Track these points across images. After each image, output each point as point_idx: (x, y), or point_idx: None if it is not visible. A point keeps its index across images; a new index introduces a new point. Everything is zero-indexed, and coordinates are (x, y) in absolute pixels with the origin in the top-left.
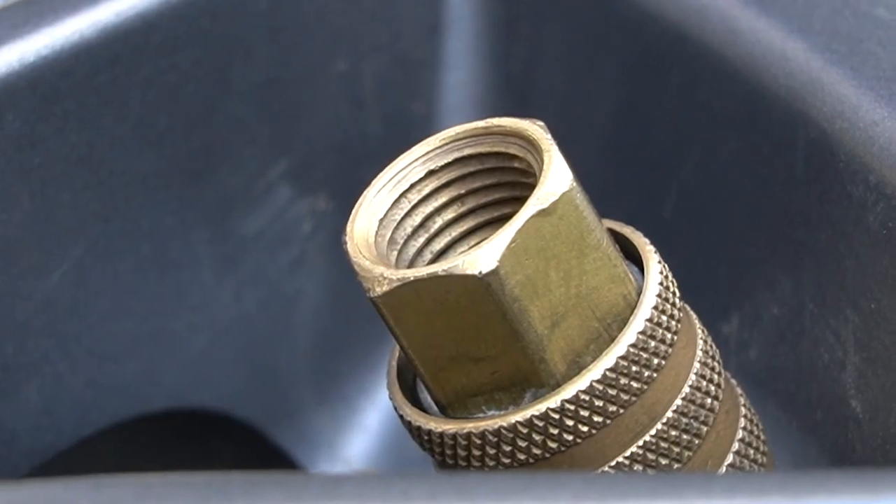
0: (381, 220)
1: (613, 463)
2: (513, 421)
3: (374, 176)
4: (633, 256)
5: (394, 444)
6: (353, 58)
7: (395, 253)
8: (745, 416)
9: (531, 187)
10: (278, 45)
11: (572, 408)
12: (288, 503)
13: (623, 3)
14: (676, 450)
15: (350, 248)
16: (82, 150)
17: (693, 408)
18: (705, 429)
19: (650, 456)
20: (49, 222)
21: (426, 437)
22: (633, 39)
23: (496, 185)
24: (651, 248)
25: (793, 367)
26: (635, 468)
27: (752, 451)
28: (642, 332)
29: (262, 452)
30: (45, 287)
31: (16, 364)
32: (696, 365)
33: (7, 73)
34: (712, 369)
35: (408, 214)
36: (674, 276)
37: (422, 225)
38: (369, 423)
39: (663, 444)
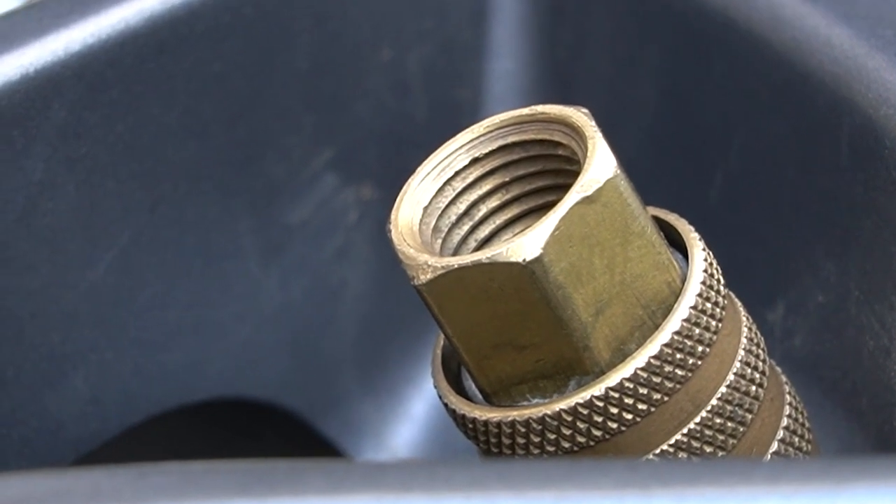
0: (426, 209)
1: (658, 451)
2: (557, 409)
3: (420, 164)
4: (677, 244)
5: (440, 433)
6: (398, 45)
7: (440, 241)
8: (790, 404)
9: (576, 174)
10: (323, 33)
11: (616, 395)
12: (331, 490)
13: None
14: (721, 437)
15: (394, 236)
16: (128, 140)
17: (738, 395)
18: (750, 416)
19: (694, 444)
20: (95, 211)
21: (471, 426)
22: (678, 25)
23: (541, 172)
24: (695, 235)
25: (838, 355)
26: (680, 456)
27: (796, 439)
28: (686, 320)
29: (307, 442)
30: (92, 276)
31: (62, 353)
32: (741, 352)
33: (53, 63)
34: (757, 356)
35: (452, 202)
36: (719, 262)
37: (466, 213)
38: (415, 412)
39: (707, 432)
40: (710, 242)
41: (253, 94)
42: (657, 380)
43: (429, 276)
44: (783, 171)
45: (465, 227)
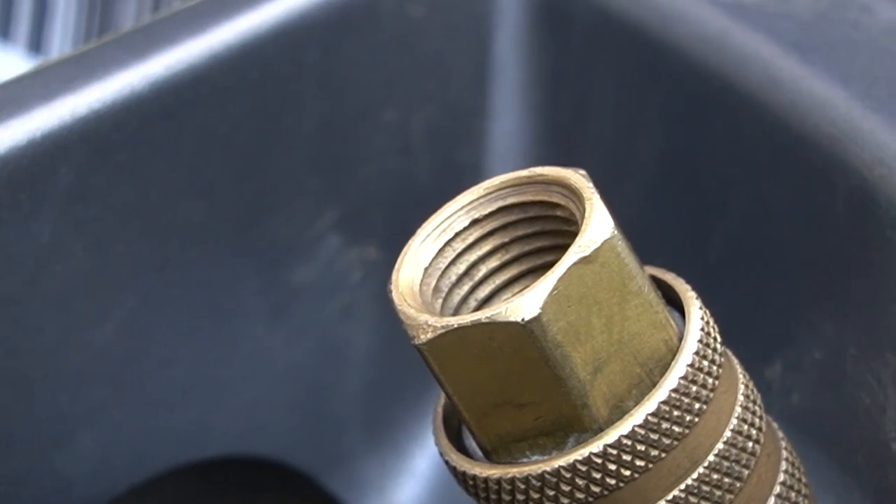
0: (426, 269)
1: None
2: (556, 465)
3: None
4: (674, 302)
5: (443, 489)
6: (402, 107)
7: (440, 301)
8: (787, 460)
9: (574, 235)
10: (328, 95)
11: (615, 452)
12: None
13: (668, 52)
14: (718, 493)
15: (395, 296)
16: (135, 202)
17: (734, 451)
18: (746, 472)
19: (692, 499)
20: (103, 273)
21: (471, 483)
22: (678, 89)
23: (539, 233)
24: (692, 293)
25: (835, 411)
26: None
27: (793, 494)
28: (684, 378)
29: (314, 499)
30: (100, 337)
31: (71, 413)
32: (738, 409)
33: (60, 127)
34: (753, 413)
35: (452, 263)
36: (717, 320)
37: (466, 273)
38: (419, 468)
39: (705, 488)
40: (709, 301)
41: (258, 155)
42: (655, 437)
43: (429, 335)
44: (781, 231)
45: (466, 287)
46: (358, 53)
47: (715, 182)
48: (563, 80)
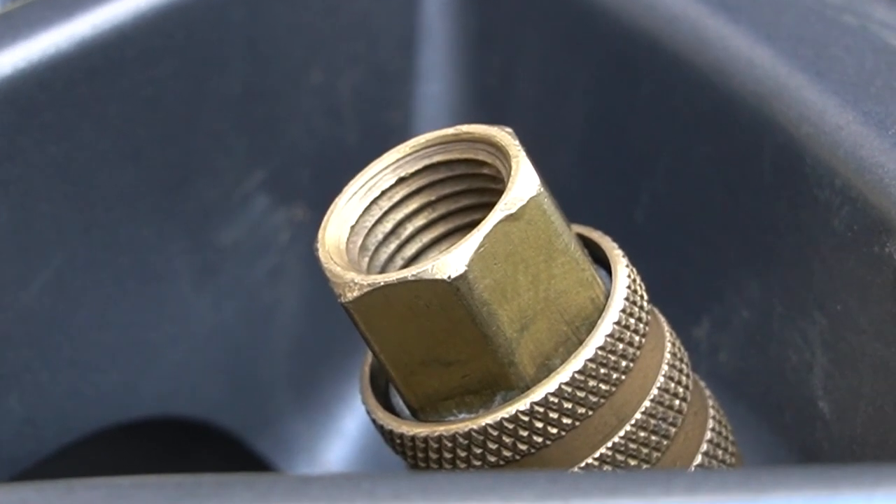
0: (353, 227)
1: (583, 464)
2: (483, 424)
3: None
4: (601, 261)
5: (372, 449)
6: (329, 69)
7: (367, 259)
8: (714, 418)
9: (500, 193)
10: (255, 57)
11: (541, 410)
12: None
13: (596, 13)
14: (645, 451)
15: (321, 254)
16: (61, 163)
17: (661, 409)
18: (673, 430)
19: (619, 457)
20: (29, 234)
21: (398, 441)
22: (606, 49)
23: (466, 191)
24: (619, 251)
25: (762, 370)
26: (604, 469)
27: (720, 452)
28: (610, 335)
29: (242, 460)
30: (26, 298)
31: None
32: (665, 367)
33: None
34: (680, 371)
35: (379, 221)
36: (646, 280)
37: (393, 231)
38: (347, 429)
39: (632, 446)
40: (637, 260)
41: (185, 117)
42: (581, 394)
43: (355, 293)
44: (708, 190)
45: (392, 246)
46: (284, 15)
47: (642, 142)
48: (492, 41)
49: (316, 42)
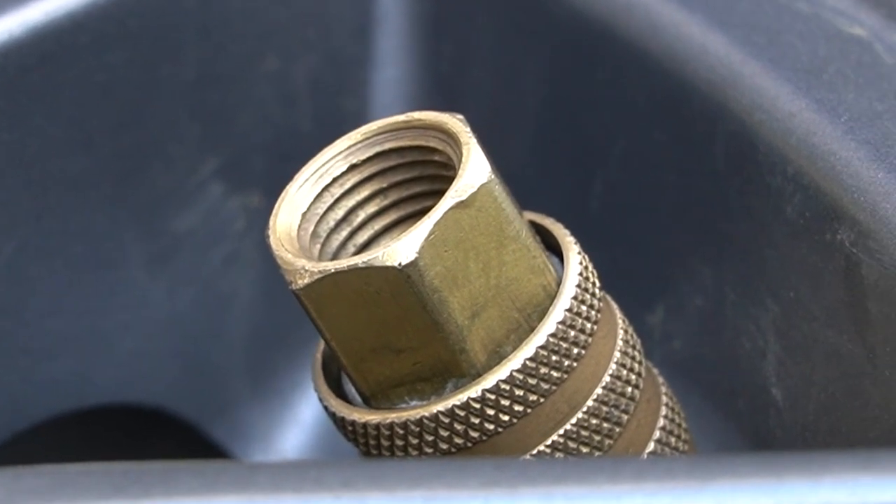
0: (304, 214)
1: (535, 452)
2: (434, 411)
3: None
4: (554, 248)
5: (328, 436)
6: (283, 56)
7: (319, 246)
8: (667, 405)
9: (451, 180)
10: (208, 44)
11: (493, 398)
12: (204, 491)
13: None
14: (597, 438)
15: (273, 241)
16: (13, 149)
17: (613, 397)
18: (626, 417)
19: (571, 444)
20: None
21: (350, 428)
22: (560, 36)
23: (417, 178)
24: (571, 239)
25: (715, 357)
26: (556, 456)
27: (673, 440)
28: (562, 322)
29: (197, 448)
30: None
31: None
32: (617, 354)
33: None
34: (633, 358)
35: (330, 208)
36: (600, 267)
37: (344, 219)
38: (303, 417)
39: (584, 433)
40: (591, 248)
41: (138, 104)
42: (533, 381)
43: (306, 280)
44: (661, 178)
45: (344, 233)
46: (237, 1)
47: (596, 129)
48: (446, 27)
49: (270, 28)
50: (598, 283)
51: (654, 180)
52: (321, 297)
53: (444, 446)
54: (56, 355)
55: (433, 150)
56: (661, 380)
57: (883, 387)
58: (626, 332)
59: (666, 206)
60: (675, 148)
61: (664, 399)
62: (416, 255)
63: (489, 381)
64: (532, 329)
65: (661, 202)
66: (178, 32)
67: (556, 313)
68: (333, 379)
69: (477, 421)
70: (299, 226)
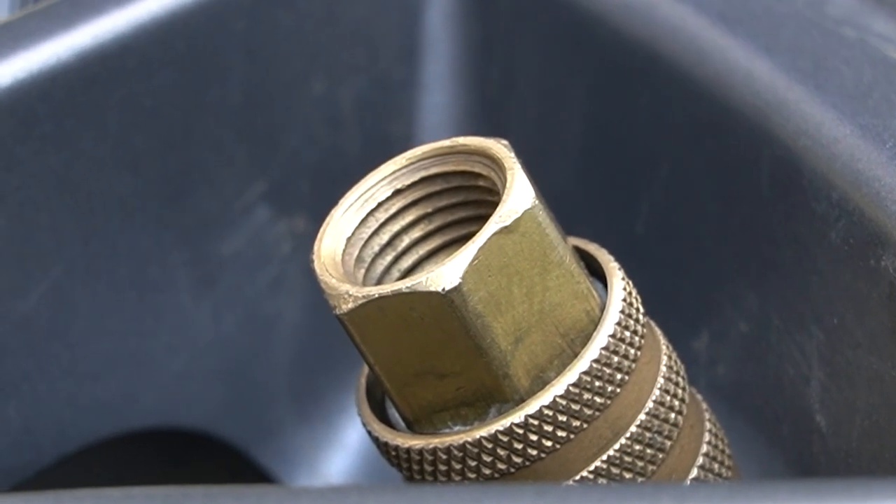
0: (349, 239)
1: (578, 477)
2: (477, 436)
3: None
4: (597, 273)
5: (373, 460)
6: (330, 79)
7: (363, 271)
8: (710, 431)
9: (496, 205)
10: (255, 66)
11: (536, 423)
12: None
13: (595, 23)
14: (640, 464)
15: (317, 266)
16: (60, 173)
17: (657, 422)
18: (669, 443)
19: (614, 470)
20: (28, 243)
21: (394, 453)
22: (605, 60)
23: (462, 203)
24: (615, 264)
25: (759, 382)
26: (599, 482)
27: (716, 465)
28: (605, 348)
29: (242, 471)
30: (24, 307)
31: None
32: (660, 380)
33: None
34: (676, 384)
35: (375, 233)
36: (644, 292)
37: (389, 243)
38: (349, 440)
39: (627, 459)
40: (635, 272)
41: (185, 127)
42: (576, 407)
43: (350, 305)
44: (706, 203)
45: (389, 258)
46: (284, 23)
47: (641, 153)
48: (492, 52)
49: (317, 51)
50: (641, 309)
51: (699, 205)
52: (365, 321)
53: (488, 472)
54: (101, 378)
55: (478, 176)
56: (704, 405)
57: None
58: (669, 357)
59: (710, 230)
60: (719, 173)
61: (707, 425)
62: (460, 280)
63: (533, 406)
64: (575, 354)
65: (706, 227)
66: (226, 55)
67: (600, 339)
68: (377, 403)
69: (520, 446)
70: (344, 250)
